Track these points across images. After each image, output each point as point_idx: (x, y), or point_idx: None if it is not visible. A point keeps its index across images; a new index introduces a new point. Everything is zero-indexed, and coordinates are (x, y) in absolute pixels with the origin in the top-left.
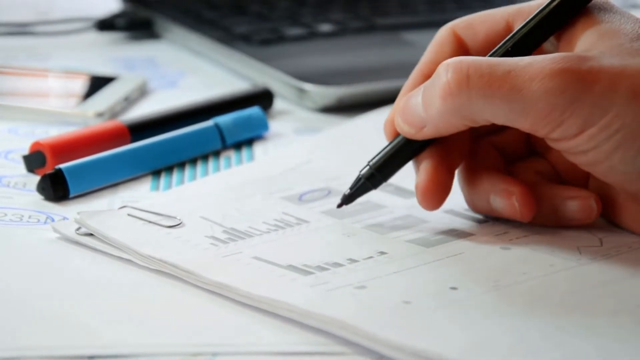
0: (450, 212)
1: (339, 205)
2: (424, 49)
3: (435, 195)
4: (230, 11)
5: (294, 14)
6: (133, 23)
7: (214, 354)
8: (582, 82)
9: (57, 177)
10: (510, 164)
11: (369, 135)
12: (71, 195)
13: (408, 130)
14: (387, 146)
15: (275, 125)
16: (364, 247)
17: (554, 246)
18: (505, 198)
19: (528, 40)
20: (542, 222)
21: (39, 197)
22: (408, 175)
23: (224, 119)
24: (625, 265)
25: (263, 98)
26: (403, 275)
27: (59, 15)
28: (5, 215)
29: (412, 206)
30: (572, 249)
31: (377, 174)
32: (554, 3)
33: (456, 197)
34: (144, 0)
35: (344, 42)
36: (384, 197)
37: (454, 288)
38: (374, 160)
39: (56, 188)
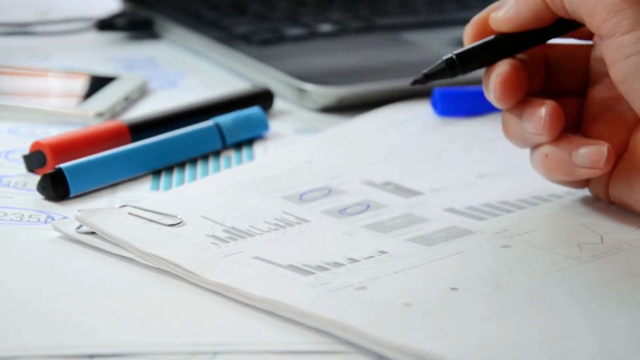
0: (451, 210)
1: (413, 83)
2: (424, 49)
3: (514, 87)
4: (230, 11)
5: (294, 14)
6: (133, 23)
7: (215, 353)
8: None
9: (57, 176)
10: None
11: (369, 135)
12: (71, 194)
13: (494, 15)
14: (475, 43)
15: (275, 125)
16: (364, 247)
17: (555, 243)
18: (535, 107)
19: None
20: (553, 169)
21: (39, 197)
22: (408, 175)
23: (224, 119)
24: (626, 263)
25: (263, 98)
26: (403, 275)
27: (59, 15)
28: (6, 214)
29: (412, 205)
30: (573, 246)
31: (457, 62)
32: None
33: (456, 195)
34: (144, 0)
35: (344, 42)
36: (385, 196)
37: (454, 289)
38: (459, 50)
39: (56, 187)
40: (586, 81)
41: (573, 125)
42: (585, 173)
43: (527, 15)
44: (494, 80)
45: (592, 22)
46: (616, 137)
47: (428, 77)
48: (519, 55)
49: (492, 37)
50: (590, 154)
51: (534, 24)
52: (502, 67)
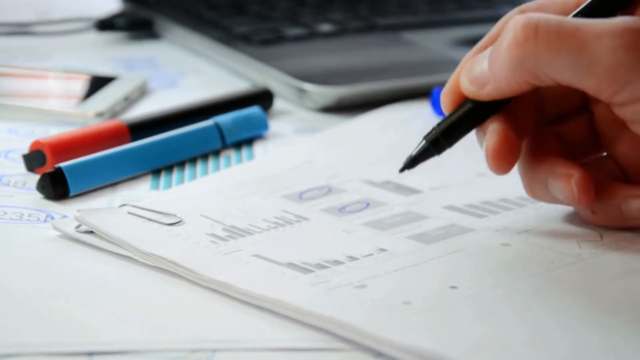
0: (450, 207)
1: (402, 170)
2: (424, 49)
3: (507, 156)
4: (230, 11)
5: (294, 14)
6: (133, 23)
7: (214, 351)
8: None
9: (57, 175)
10: (573, 159)
11: (369, 135)
12: (71, 194)
13: (471, 89)
14: (453, 113)
15: (275, 125)
16: (363, 244)
17: (554, 241)
18: (564, 181)
19: (595, 13)
20: (604, 223)
21: (38, 196)
22: (408, 174)
23: (224, 119)
24: (625, 260)
25: (263, 98)
26: (403, 274)
27: (59, 15)
28: (5, 213)
29: (412, 203)
30: (572, 243)
31: (441, 139)
32: None
33: (456, 193)
34: (144, 0)
35: (344, 42)
36: (384, 195)
37: (453, 287)
38: (440, 126)
39: (56, 187)
40: (585, 97)
41: (588, 141)
42: (637, 223)
43: (507, 91)
44: (485, 153)
45: (601, 95)
46: None
47: (416, 160)
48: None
49: (469, 104)
50: None
51: (515, 93)
52: (490, 139)
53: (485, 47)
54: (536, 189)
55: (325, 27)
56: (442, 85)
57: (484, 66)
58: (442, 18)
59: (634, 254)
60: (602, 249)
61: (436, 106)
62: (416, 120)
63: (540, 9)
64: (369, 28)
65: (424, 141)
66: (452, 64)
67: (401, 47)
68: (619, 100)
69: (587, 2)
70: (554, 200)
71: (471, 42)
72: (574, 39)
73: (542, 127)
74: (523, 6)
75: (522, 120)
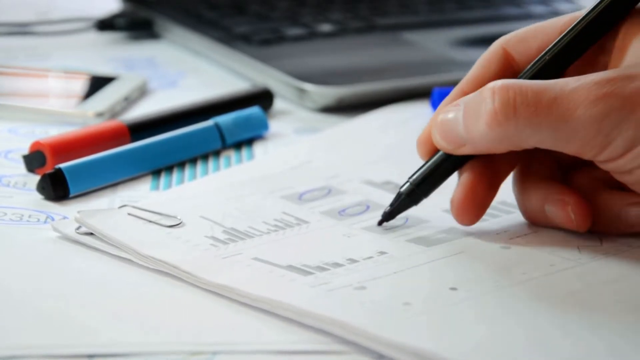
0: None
1: (380, 223)
2: (424, 49)
3: (469, 211)
4: (230, 11)
5: (294, 14)
6: (133, 23)
7: (214, 353)
8: (626, 106)
9: (57, 176)
10: (566, 171)
11: (369, 135)
12: (71, 194)
13: (446, 147)
14: (427, 161)
15: (275, 125)
16: (363, 247)
17: (554, 245)
18: (560, 208)
19: (570, 51)
20: (604, 230)
21: (38, 197)
22: (408, 174)
23: (224, 119)
24: (625, 264)
25: (263, 98)
26: (403, 275)
27: (59, 15)
28: (5, 214)
29: None
30: (572, 248)
31: (417, 190)
32: (600, 7)
33: None
34: (144, 0)
35: (344, 42)
36: (384, 196)
37: (453, 289)
38: (414, 177)
39: (56, 187)
40: None
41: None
42: (637, 229)
43: (485, 152)
44: (450, 204)
45: (584, 157)
46: None
47: (393, 213)
48: None
49: (443, 155)
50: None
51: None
52: (456, 191)
53: (456, 97)
54: (531, 212)
55: (325, 27)
56: (442, 85)
57: (459, 130)
58: (442, 18)
59: (634, 258)
60: (602, 253)
61: (436, 106)
62: (416, 120)
63: (522, 42)
64: (369, 28)
65: (400, 194)
66: (452, 64)
67: (401, 47)
68: (600, 160)
69: (557, 42)
70: (551, 223)
71: (471, 42)
72: (552, 113)
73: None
74: (503, 41)
75: (503, 160)
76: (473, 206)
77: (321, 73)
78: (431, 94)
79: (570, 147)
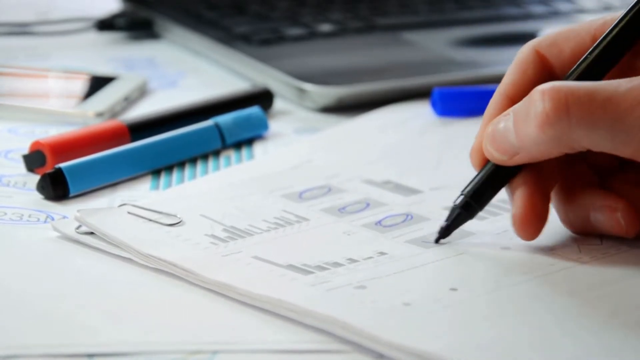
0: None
1: (437, 240)
2: (424, 49)
3: (534, 224)
4: (230, 11)
5: (294, 14)
6: (133, 23)
7: (214, 352)
8: None
9: (57, 176)
10: (604, 178)
11: (369, 135)
12: (71, 194)
13: (499, 157)
14: (478, 173)
15: (275, 125)
16: (363, 247)
17: (554, 245)
18: (608, 215)
19: (613, 52)
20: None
21: (38, 196)
22: (408, 174)
23: (224, 119)
24: (625, 264)
25: (263, 98)
26: (403, 276)
27: (59, 15)
28: (5, 214)
29: (411, 203)
30: (572, 247)
31: (472, 203)
32: (635, 9)
33: (456, 192)
34: (144, 0)
35: (344, 42)
36: (384, 195)
37: (454, 289)
38: (467, 189)
39: (56, 187)
40: None
41: (617, 163)
42: None
43: (539, 158)
44: (512, 220)
45: (638, 160)
46: None
47: (450, 228)
48: None
49: (492, 166)
50: None
51: (548, 158)
52: (516, 206)
53: (502, 108)
54: (575, 221)
55: (325, 27)
56: (442, 85)
57: (510, 139)
58: (442, 18)
59: (634, 257)
60: (602, 253)
61: (436, 106)
62: (416, 120)
63: (554, 45)
64: (369, 28)
65: (455, 207)
66: (452, 64)
67: (401, 47)
68: None
69: (596, 47)
70: (597, 231)
71: (471, 42)
72: (607, 113)
73: (571, 158)
74: (535, 43)
75: (552, 165)
76: (535, 218)
77: (321, 73)
78: (431, 94)
79: (625, 150)
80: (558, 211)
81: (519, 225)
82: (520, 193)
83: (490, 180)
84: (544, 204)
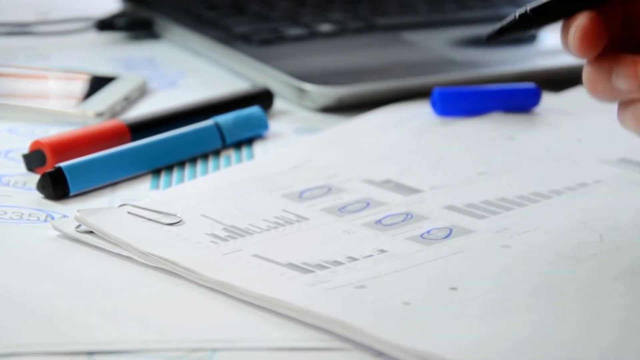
0: (450, 208)
1: (487, 38)
2: (424, 49)
3: (595, 38)
4: (230, 11)
5: (294, 14)
6: (133, 23)
7: (214, 350)
8: None
9: (57, 175)
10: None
11: (369, 134)
12: (71, 193)
13: None
14: None
15: (275, 125)
16: (363, 245)
17: (554, 242)
18: (629, 69)
19: None
20: (601, 95)
21: (39, 196)
22: (408, 173)
23: (224, 118)
24: (625, 261)
25: (263, 98)
26: (403, 274)
27: (59, 15)
28: (5, 213)
29: (412, 203)
30: (572, 245)
31: (532, 15)
32: None
33: (456, 192)
34: (144, 0)
35: (344, 42)
36: (384, 194)
37: (453, 289)
38: (533, 4)
39: (56, 186)
40: None
41: None
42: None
43: None
44: (573, 33)
45: None
46: None
47: (503, 31)
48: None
49: None
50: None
51: None
52: (581, 20)
53: None
54: (597, 81)
55: (325, 27)
56: (442, 85)
57: None
58: (442, 18)
59: (634, 255)
60: (602, 250)
61: (436, 106)
62: (416, 120)
63: None
64: (369, 28)
65: (515, 14)
66: (452, 64)
67: (401, 47)
68: None
69: None
70: (613, 95)
71: (471, 42)
72: None
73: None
74: None
75: (609, 25)
76: (598, 32)
77: (321, 73)
78: (431, 94)
79: None
80: (586, 72)
81: (580, 40)
82: (584, 15)
83: (557, 3)
84: (603, 29)
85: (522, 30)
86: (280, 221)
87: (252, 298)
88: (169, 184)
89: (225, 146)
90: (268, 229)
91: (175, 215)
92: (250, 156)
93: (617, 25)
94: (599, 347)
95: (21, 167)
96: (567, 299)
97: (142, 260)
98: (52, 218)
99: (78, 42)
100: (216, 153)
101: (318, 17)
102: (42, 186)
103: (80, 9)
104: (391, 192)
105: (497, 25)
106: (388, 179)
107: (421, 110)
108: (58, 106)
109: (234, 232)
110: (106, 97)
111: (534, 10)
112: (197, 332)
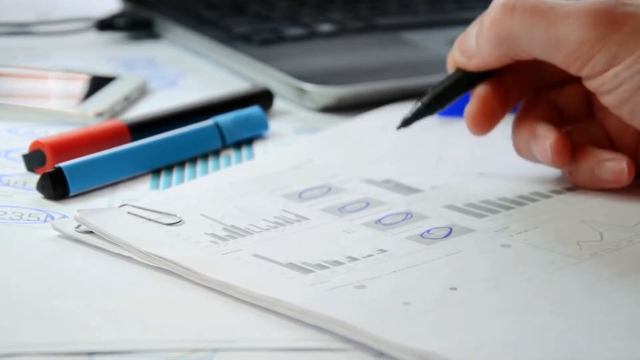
0: (450, 207)
1: (399, 128)
2: (424, 49)
3: (482, 119)
4: (230, 11)
5: (294, 14)
6: (133, 23)
7: (214, 350)
8: (613, 22)
9: (57, 175)
10: (569, 123)
11: (369, 134)
12: (71, 193)
13: (460, 60)
14: (445, 79)
15: (275, 125)
16: (363, 245)
17: (554, 242)
18: (540, 143)
19: None
20: (579, 183)
21: (39, 196)
22: (408, 173)
23: (224, 118)
24: (626, 260)
25: (263, 98)
26: (403, 274)
27: (59, 15)
28: (5, 213)
29: (411, 202)
30: (572, 244)
31: (434, 102)
32: None
33: (456, 192)
34: (144, 0)
35: (344, 42)
36: (384, 194)
37: (453, 289)
38: (433, 90)
39: (56, 186)
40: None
41: (581, 107)
42: (610, 185)
43: (491, 63)
44: (465, 115)
45: (570, 69)
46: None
47: (410, 120)
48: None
49: (459, 72)
50: (612, 171)
51: (499, 65)
52: (471, 103)
53: None
54: (521, 148)
55: (325, 27)
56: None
57: (472, 41)
58: (442, 18)
59: (634, 254)
60: (602, 249)
61: None
62: None
63: None
64: (369, 28)
65: (419, 104)
66: None
67: (401, 47)
68: (584, 74)
69: None
70: (535, 160)
71: None
72: (545, 18)
73: (540, 91)
74: None
75: (514, 87)
76: (486, 115)
77: (321, 73)
78: None
79: (557, 55)
80: (512, 137)
81: (470, 119)
82: (477, 92)
83: (454, 84)
84: (498, 107)
85: (427, 115)
86: (280, 221)
87: (252, 298)
88: (169, 184)
89: (225, 146)
90: (268, 229)
91: (175, 215)
92: (250, 156)
93: (525, 80)
94: (600, 347)
95: (21, 167)
96: (567, 298)
97: (142, 260)
98: (52, 218)
99: (78, 42)
100: (216, 153)
101: (318, 17)
102: (42, 186)
103: (80, 9)
104: (391, 192)
105: (403, 117)
106: (388, 179)
107: None
108: (58, 106)
109: (234, 232)
110: (106, 97)
111: (435, 97)
112: (197, 332)
